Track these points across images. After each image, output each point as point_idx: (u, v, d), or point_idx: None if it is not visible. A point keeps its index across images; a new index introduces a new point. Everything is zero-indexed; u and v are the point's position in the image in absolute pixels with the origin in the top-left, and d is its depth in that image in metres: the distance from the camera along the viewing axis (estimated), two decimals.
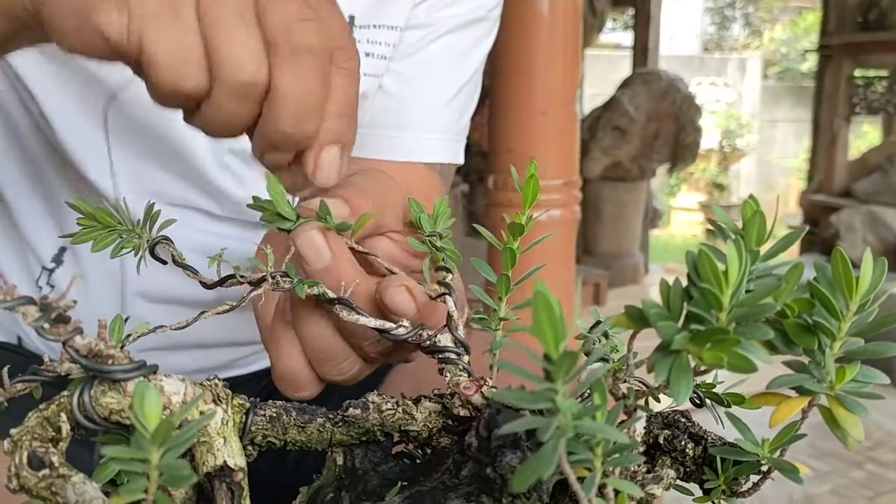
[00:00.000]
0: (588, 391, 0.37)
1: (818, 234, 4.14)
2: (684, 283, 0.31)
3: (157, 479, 0.27)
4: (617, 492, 0.31)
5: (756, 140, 8.29)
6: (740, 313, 0.28)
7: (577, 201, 2.07)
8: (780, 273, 0.31)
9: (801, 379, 0.31)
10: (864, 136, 7.36)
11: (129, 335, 0.37)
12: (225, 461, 0.34)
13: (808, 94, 5.87)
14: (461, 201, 4.63)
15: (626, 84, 4.88)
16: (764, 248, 0.32)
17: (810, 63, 8.44)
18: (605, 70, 6.94)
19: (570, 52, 1.95)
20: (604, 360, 0.41)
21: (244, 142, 0.73)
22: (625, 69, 5.44)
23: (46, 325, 0.30)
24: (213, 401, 0.34)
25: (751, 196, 0.32)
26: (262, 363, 0.87)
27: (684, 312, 0.29)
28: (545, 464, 0.24)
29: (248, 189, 0.75)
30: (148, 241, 0.43)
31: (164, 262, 0.44)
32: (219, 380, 0.35)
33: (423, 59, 0.77)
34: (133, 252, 0.43)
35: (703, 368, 0.32)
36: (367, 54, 0.73)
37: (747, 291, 0.29)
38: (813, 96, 4.68)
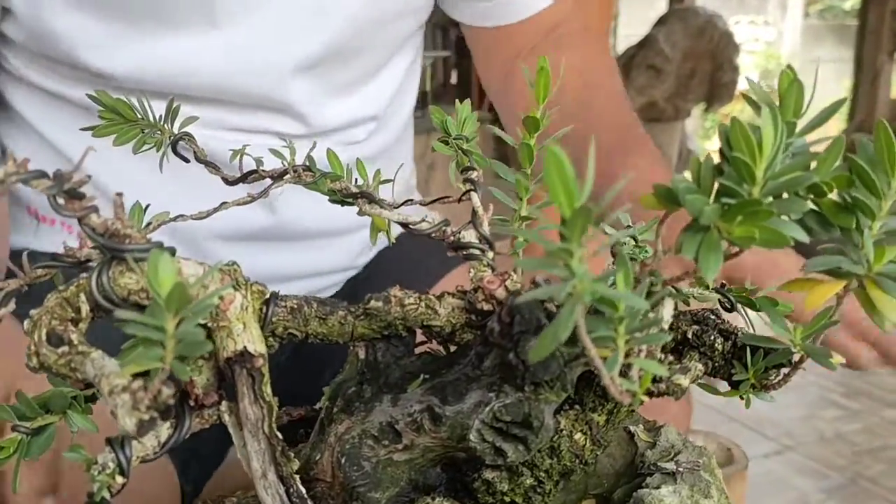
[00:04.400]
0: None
1: None
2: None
3: (172, 349, 0.26)
4: (641, 374, 0.30)
5: None
6: (774, 186, 0.27)
7: None
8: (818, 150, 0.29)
9: (838, 261, 0.30)
10: None
11: (149, 223, 0.37)
12: (245, 346, 0.34)
13: (851, 32, 5.70)
14: (491, 141, 4.58)
15: (661, 21, 4.76)
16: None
17: (853, 1, 8.16)
18: (640, 9, 6.78)
19: None
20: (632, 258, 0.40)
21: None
22: (660, 8, 5.30)
23: (62, 201, 0.29)
24: (232, 286, 0.34)
25: (788, 66, 0.30)
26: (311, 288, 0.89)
27: (716, 188, 0.28)
28: (562, 328, 0.24)
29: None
30: (170, 136, 0.43)
31: (187, 161, 0.44)
32: (238, 266, 0.35)
33: None
34: (155, 148, 0.42)
35: (734, 251, 0.31)
36: None
37: None
38: (856, 32, 4.54)
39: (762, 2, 8.51)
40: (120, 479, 0.30)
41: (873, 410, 2.42)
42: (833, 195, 0.29)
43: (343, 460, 0.38)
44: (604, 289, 0.24)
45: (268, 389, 0.34)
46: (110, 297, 0.32)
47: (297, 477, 0.35)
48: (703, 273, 0.28)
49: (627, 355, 0.29)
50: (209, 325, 0.33)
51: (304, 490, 0.35)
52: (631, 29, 5.43)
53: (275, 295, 0.37)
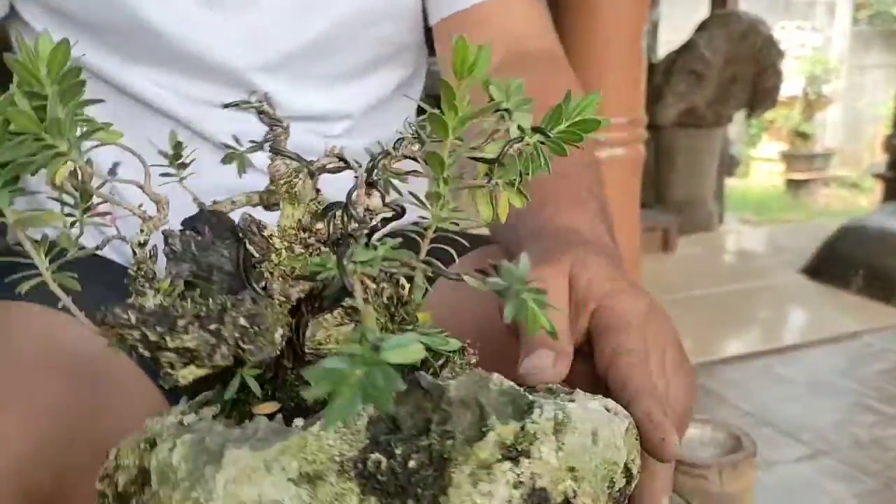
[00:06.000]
0: None
1: None
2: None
3: None
4: None
5: (843, 87, 7.95)
6: None
7: (641, 140, 2.02)
8: None
9: None
10: None
11: None
12: None
13: None
14: None
15: (703, 27, 4.74)
16: None
17: None
18: (682, 13, 6.74)
19: None
20: None
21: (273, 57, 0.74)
22: (702, 13, 5.26)
23: None
24: None
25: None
26: None
27: None
28: None
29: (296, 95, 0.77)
30: None
31: None
32: None
33: None
34: None
35: None
36: None
37: None
38: None
39: (809, 7, 8.38)
40: None
41: None
42: None
43: None
44: None
45: None
46: None
47: None
48: None
49: None
50: None
51: None
52: (672, 35, 5.40)
53: None
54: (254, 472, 0.29)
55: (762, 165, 7.46)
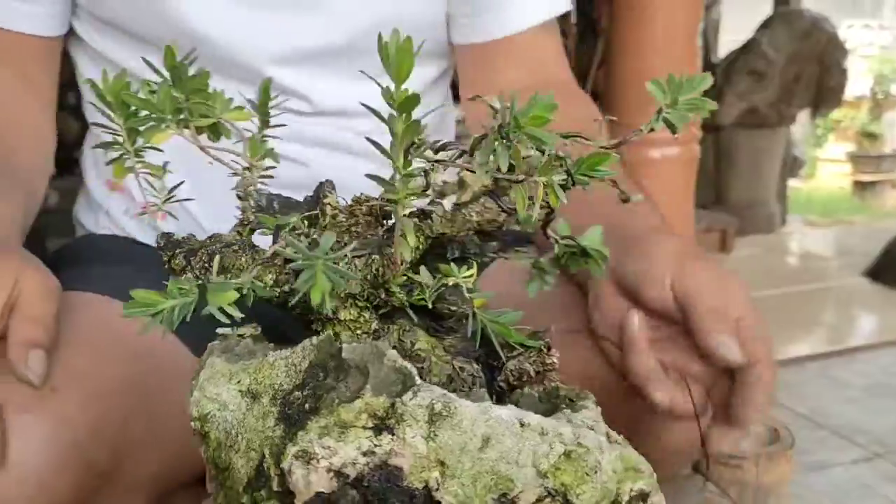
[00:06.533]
0: None
1: None
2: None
3: None
4: None
5: None
6: None
7: (696, 139, 2.02)
8: None
9: None
10: None
11: None
12: None
13: None
14: None
15: (765, 25, 4.67)
16: None
17: None
18: (744, 14, 6.63)
19: None
20: None
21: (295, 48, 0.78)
22: (765, 12, 5.18)
23: None
24: None
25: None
26: None
27: None
28: None
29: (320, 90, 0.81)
30: None
31: None
32: None
33: None
34: None
35: None
36: None
37: None
38: None
39: (877, 5, 8.15)
40: None
41: None
42: None
43: None
44: None
45: None
46: None
47: None
48: None
49: None
50: None
51: None
52: (733, 35, 5.32)
53: None
54: (221, 377, 0.38)
55: (829, 167, 7.28)
